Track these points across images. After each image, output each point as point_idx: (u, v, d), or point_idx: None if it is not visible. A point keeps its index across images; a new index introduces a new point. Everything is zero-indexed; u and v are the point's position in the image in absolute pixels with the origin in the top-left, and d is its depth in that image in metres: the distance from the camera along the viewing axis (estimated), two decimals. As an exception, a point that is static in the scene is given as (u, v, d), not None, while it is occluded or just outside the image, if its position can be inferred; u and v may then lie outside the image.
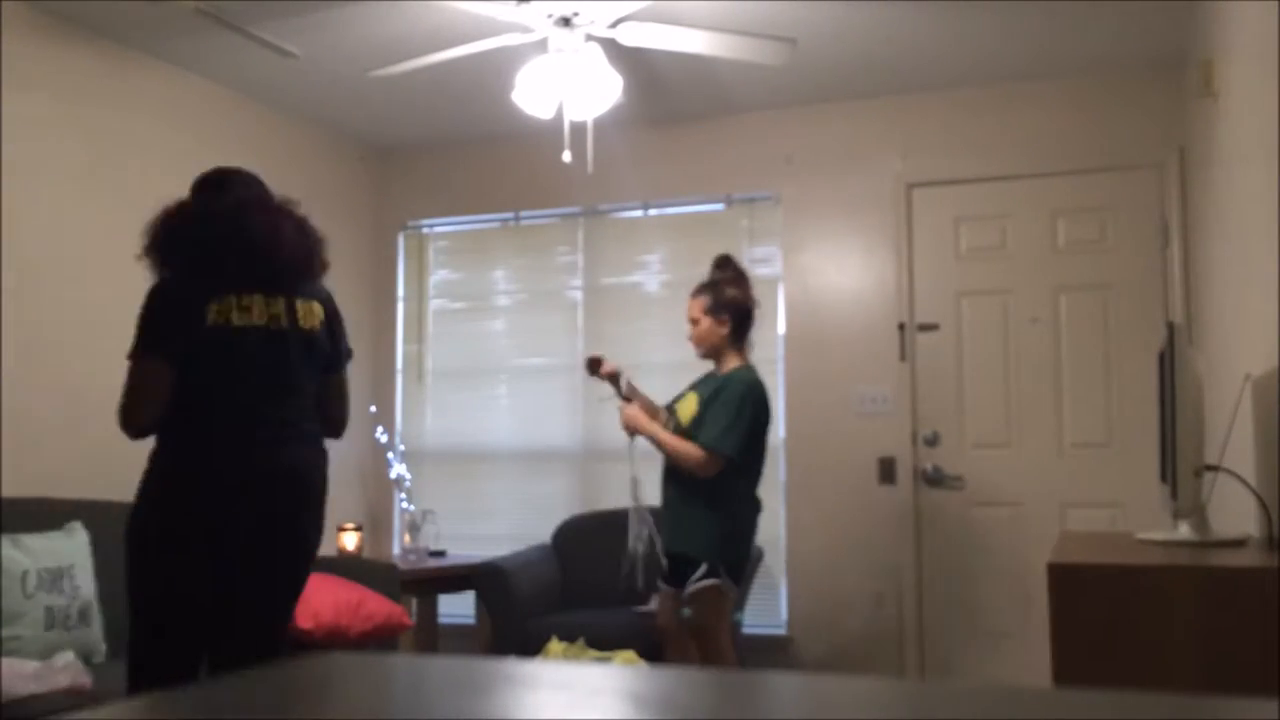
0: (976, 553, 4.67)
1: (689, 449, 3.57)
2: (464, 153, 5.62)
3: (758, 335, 5.06)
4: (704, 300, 3.71)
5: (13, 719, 2.75)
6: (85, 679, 2.97)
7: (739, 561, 3.61)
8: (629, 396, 3.80)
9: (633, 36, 3.60)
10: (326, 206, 5.42)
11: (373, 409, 5.64)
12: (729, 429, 3.54)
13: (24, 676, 2.86)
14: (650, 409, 3.79)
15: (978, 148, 4.80)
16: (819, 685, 0.67)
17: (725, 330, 3.68)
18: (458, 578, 4.77)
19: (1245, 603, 1.71)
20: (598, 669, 0.73)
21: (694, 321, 3.73)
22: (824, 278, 4.99)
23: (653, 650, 3.97)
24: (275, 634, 2.66)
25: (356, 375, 5.55)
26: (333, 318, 2.92)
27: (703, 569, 3.51)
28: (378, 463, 5.58)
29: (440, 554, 5.05)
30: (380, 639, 3.87)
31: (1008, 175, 4.76)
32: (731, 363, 3.71)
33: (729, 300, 3.68)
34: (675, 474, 3.64)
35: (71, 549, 3.43)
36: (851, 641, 4.80)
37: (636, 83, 4.69)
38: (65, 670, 2.96)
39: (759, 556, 4.72)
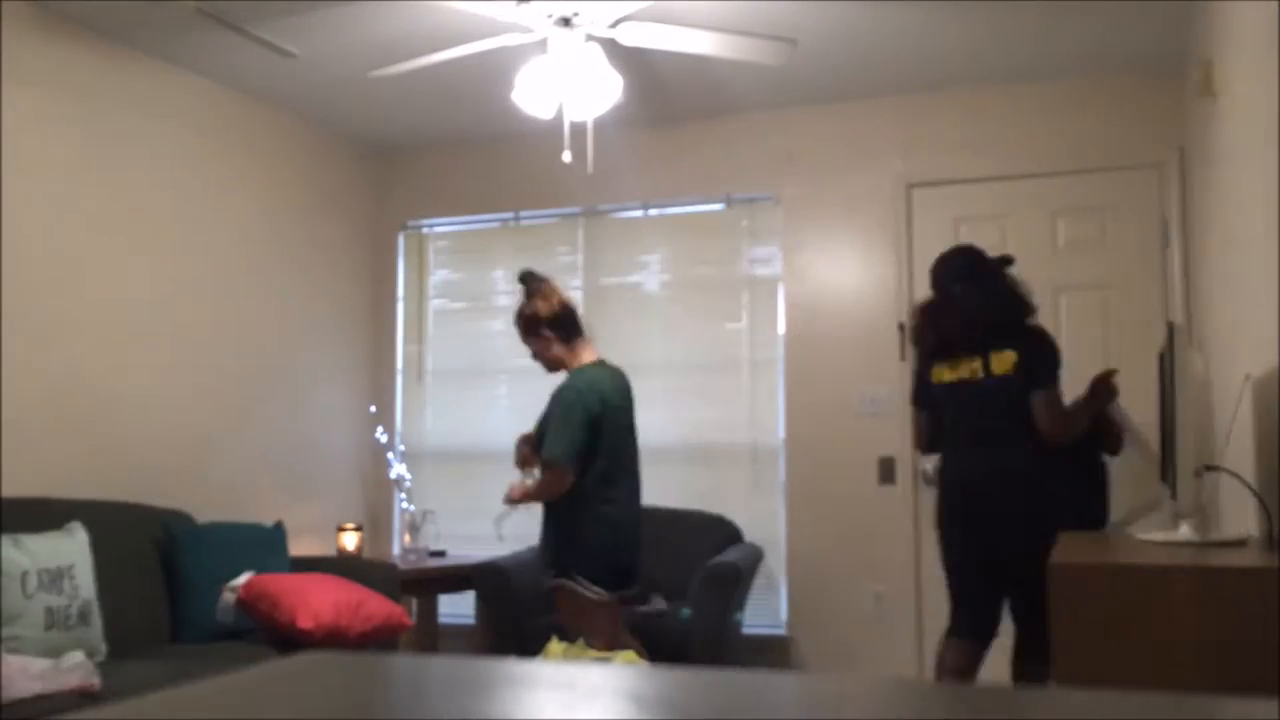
0: (976, 553, 4.66)
1: (541, 481, 3.58)
2: (464, 153, 5.62)
3: (758, 336, 5.10)
4: (520, 331, 3.71)
5: (20, 719, 2.74)
6: (94, 679, 2.96)
7: (594, 565, 3.57)
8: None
9: (633, 36, 3.60)
10: (326, 206, 5.43)
11: (373, 409, 5.64)
12: (556, 437, 3.52)
13: (32, 675, 2.86)
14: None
15: (978, 148, 4.81)
16: (819, 685, 0.67)
17: (555, 342, 3.66)
18: (458, 578, 4.78)
19: (1245, 603, 1.71)
20: (598, 669, 0.73)
21: (534, 355, 3.73)
22: (824, 278, 4.99)
23: (653, 650, 3.97)
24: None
25: (357, 375, 5.57)
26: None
27: (551, 572, 3.61)
28: (378, 463, 5.58)
29: (440, 554, 5.05)
30: (380, 639, 3.87)
31: (1008, 175, 4.76)
32: (574, 366, 3.67)
33: (536, 316, 3.65)
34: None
35: (71, 549, 3.43)
36: (851, 641, 4.80)
37: (636, 83, 4.69)
38: (74, 670, 2.95)
39: (758, 556, 4.72)
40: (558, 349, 3.67)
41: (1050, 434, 3.37)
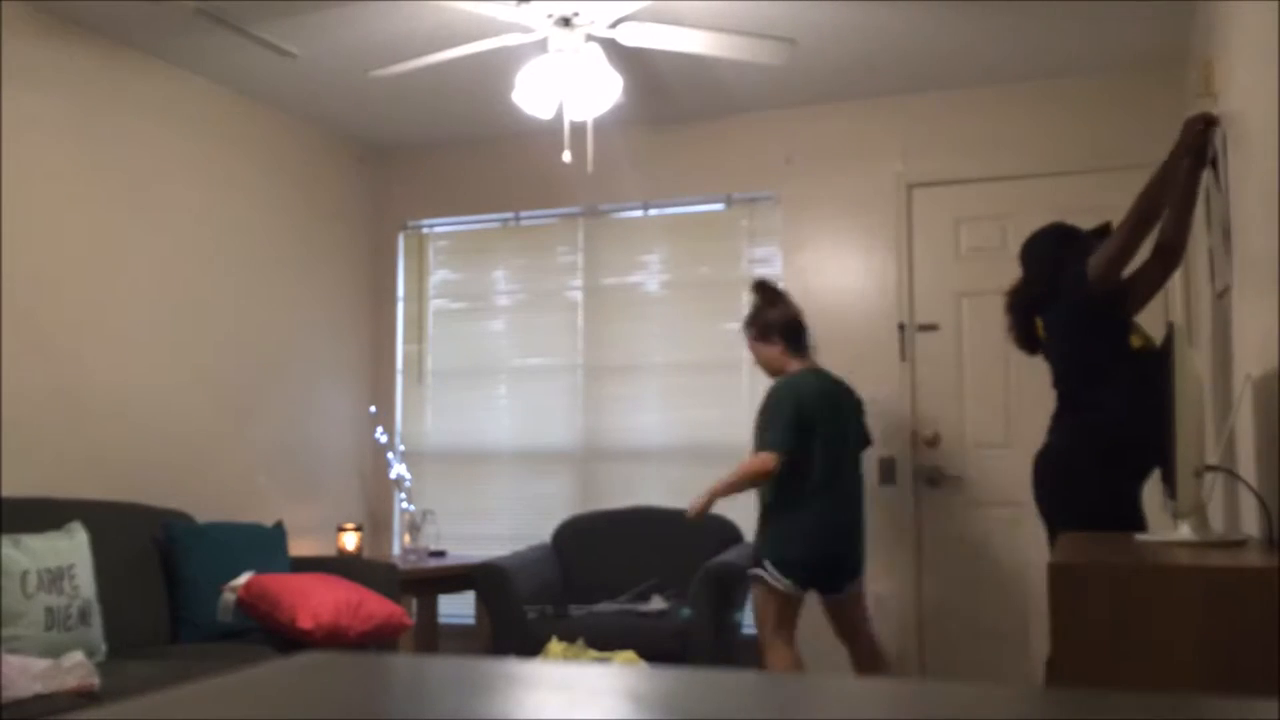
0: (976, 553, 4.67)
1: (748, 462, 3.90)
2: (464, 153, 5.62)
3: (758, 335, 5.10)
4: (750, 331, 4.16)
5: (20, 719, 2.74)
6: (93, 679, 2.96)
7: (794, 561, 3.88)
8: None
9: (633, 36, 3.60)
10: (327, 207, 5.43)
11: (373, 409, 5.64)
12: (770, 429, 3.90)
13: (32, 675, 2.86)
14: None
15: (978, 148, 4.80)
16: (819, 685, 0.67)
17: (776, 349, 4.10)
18: (458, 578, 4.78)
19: (1245, 603, 1.71)
20: (598, 669, 0.73)
21: (756, 359, 4.19)
22: (824, 278, 4.99)
23: (653, 650, 3.97)
24: None
25: (357, 375, 5.57)
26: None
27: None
28: (378, 463, 5.58)
29: (440, 554, 5.05)
30: (380, 639, 3.87)
31: (1008, 175, 4.76)
32: (788, 371, 4.07)
33: (771, 321, 4.10)
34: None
35: (71, 549, 3.43)
36: (851, 641, 4.79)
37: (636, 83, 4.69)
38: (73, 670, 2.95)
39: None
40: (777, 355, 4.10)
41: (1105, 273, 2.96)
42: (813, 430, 3.88)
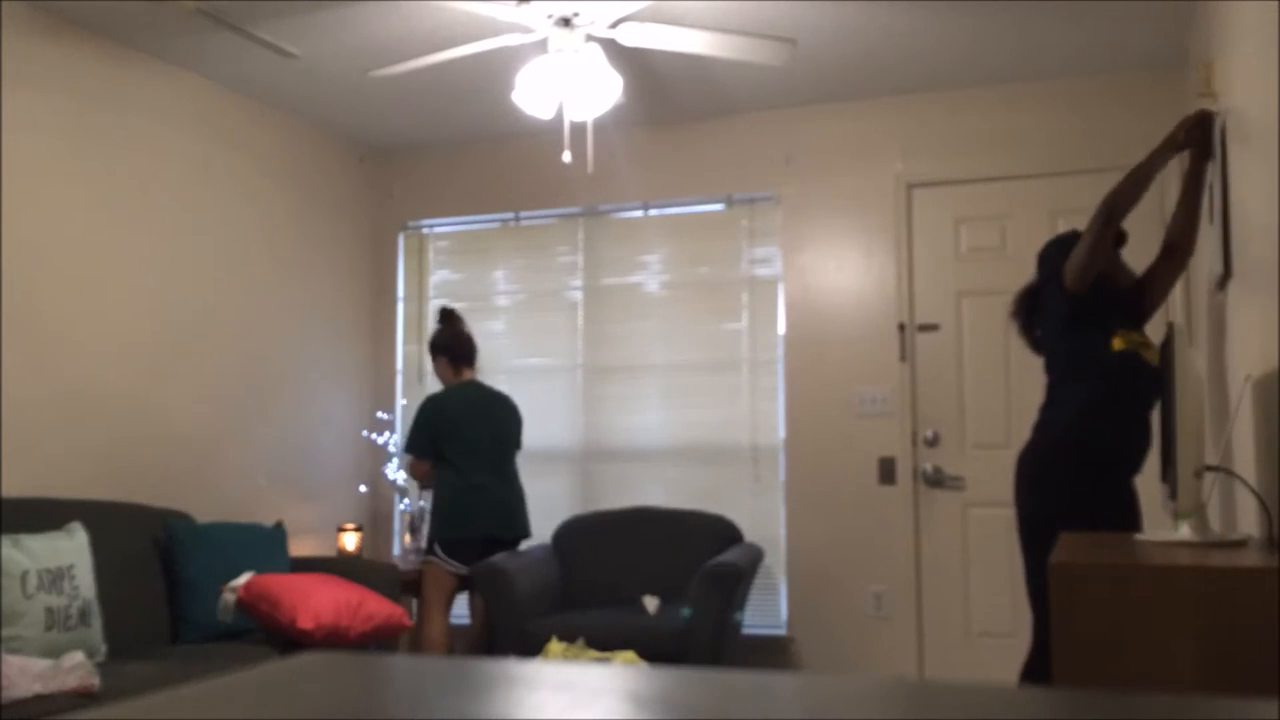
0: (976, 553, 4.67)
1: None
2: (464, 153, 5.62)
3: (758, 336, 5.10)
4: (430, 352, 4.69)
5: (19, 719, 2.74)
6: (93, 679, 2.96)
7: (445, 538, 4.40)
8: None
9: (633, 37, 3.60)
10: (327, 206, 5.43)
11: (380, 415, 5.63)
12: (409, 436, 4.52)
13: (32, 675, 2.86)
14: None
15: (978, 148, 4.81)
16: (819, 685, 0.67)
17: (442, 364, 4.62)
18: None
19: (1245, 603, 1.71)
20: (598, 669, 0.73)
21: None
22: (824, 278, 4.99)
23: (653, 650, 3.97)
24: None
25: (357, 375, 5.57)
26: None
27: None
28: (378, 463, 5.57)
29: (440, 554, 5.05)
30: (380, 639, 3.87)
31: (1008, 175, 4.76)
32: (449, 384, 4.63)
33: (436, 342, 4.64)
34: None
35: (71, 549, 3.43)
36: (851, 641, 4.80)
37: (636, 83, 4.69)
38: (74, 670, 2.95)
39: (758, 556, 4.72)
40: (445, 370, 4.64)
41: (1082, 269, 2.98)
42: (451, 434, 4.42)
